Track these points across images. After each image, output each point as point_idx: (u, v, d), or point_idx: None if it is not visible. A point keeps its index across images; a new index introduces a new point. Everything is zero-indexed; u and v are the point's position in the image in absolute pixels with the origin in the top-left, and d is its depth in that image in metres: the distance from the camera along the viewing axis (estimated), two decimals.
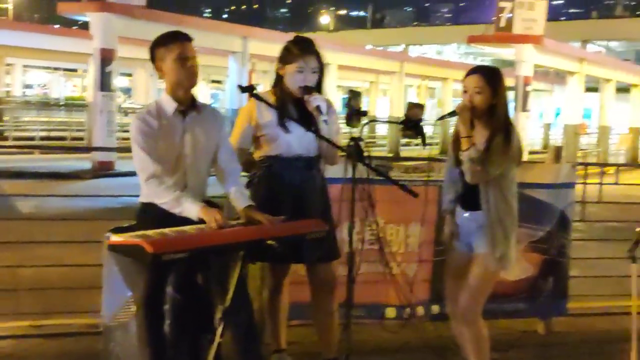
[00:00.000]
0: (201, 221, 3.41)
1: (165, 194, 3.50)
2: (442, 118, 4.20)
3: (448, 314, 4.25)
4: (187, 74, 3.61)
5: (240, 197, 3.66)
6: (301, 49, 3.94)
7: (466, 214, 3.98)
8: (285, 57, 3.97)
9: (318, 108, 3.89)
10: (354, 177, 3.25)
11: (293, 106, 4.00)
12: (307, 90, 3.91)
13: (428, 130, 35.80)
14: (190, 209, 3.45)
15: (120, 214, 4.56)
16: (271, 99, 3.98)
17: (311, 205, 4.00)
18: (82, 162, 17.77)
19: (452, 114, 3.86)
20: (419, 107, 3.55)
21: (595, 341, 5.39)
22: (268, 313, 4.32)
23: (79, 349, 4.71)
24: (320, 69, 4.00)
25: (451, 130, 4.16)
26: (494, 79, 3.86)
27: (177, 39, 3.63)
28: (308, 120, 3.91)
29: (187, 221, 3.43)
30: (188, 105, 3.67)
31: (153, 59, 3.68)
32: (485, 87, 3.81)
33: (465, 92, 3.86)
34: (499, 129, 3.82)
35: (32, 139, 24.31)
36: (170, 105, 3.64)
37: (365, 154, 3.34)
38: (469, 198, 3.93)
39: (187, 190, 3.64)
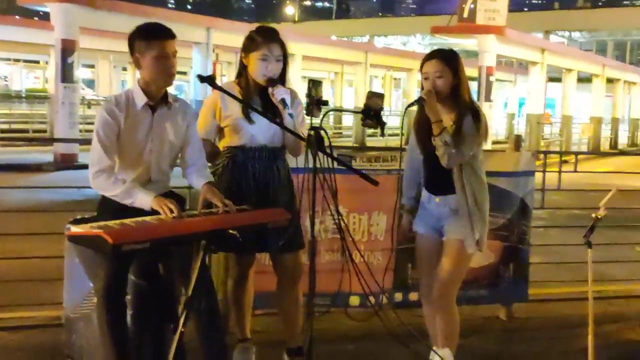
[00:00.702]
0: (155, 212, 3.39)
1: (114, 186, 3.47)
2: (410, 106, 4.18)
3: (420, 300, 4.27)
4: (165, 73, 3.56)
5: (200, 177, 3.67)
6: (265, 37, 3.94)
7: (436, 199, 3.98)
8: (249, 46, 3.96)
9: (283, 101, 3.88)
10: (314, 167, 3.26)
11: (257, 96, 3.99)
12: (271, 82, 3.91)
13: (395, 121, 35.95)
14: (143, 199, 3.43)
15: (82, 206, 4.54)
16: (235, 89, 3.97)
17: (275, 196, 4.02)
18: (45, 154, 17.54)
19: (418, 101, 3.85)
20: (379, 96, 3.54)
21: (556, 326, 5.49)
22: (232, 302, 4.32)
23: (41, 341, 4.67)
24: (284, 57, 3.99)
25: None
26: (452, 60, 3.90)
27: (159, 36, 3.55)
28: (272, 111, 3.91)
29: (148, 212, 3.42)
30: (158, 101, 3.63)
31: (131, 49, 3.60)
32: (446, 69, 3.84)
33: (426, 78, 3.88)
34: (466, 108, 3.85)
35: None
36: (140, 99, 3.60)
37: (326, 143, 3.34)
38: (439, 183, 3.94)
39: (151, 183, 3.63)
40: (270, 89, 3.91)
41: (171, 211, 3.32)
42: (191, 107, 3.91)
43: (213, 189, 3.60)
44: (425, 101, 3.80)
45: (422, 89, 3.94)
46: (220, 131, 4.08)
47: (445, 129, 3.76)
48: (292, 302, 4.18)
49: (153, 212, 3.39)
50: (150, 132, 3.62)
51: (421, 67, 3.95)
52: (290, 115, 3.85)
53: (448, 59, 3.90)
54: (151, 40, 3.53)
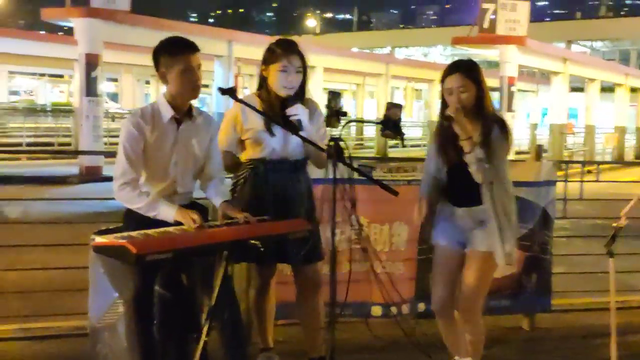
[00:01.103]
0: (179, 223, 3.44)
1: (139, 199, 3.53)
2: (443, 124, 3.90)
3: (434, 312, 4.20)
4: (191, 87, 3.62)
5: (217, 194, 3.73)
6: (284, 49, 3.97)
7: (460, 210, 3.93)
8: (269, 58, 4.00)
9: (299, 122, 3.92)
10: (334, 177, 3.28)
11: (279, 108, 4.03)
12: (290, 97, 3.95)
13: (416, 132, 35.89)
14: (166, 212, 3.49)
15: (106, 217, 4.58)
16: (257, 101, 4.01)
17: (295, 208, 4.05)
18: (70, 167, 17.72)
19: (448, 119, 3.75)
20: (398, 107, 3.57)
21: (579, 336, 5.46)
22: (255, 312, 4.36)
23: (66, 351, 4.73)
24: (304, 69, 4.03)
25: None
26: (474, 72, 3.84)
27: (184, 50, 3.60)
28: (294, 124, 3.94)
29: (171, 223, 3.47)
30: (184, 114, 3.69)
31: (157, 64, 3.65)
32: (468, 83, 3.79)
33: (450, 94, 3.81)
34: (492, 120, 3.82)
35: (19, 145, 24.18)
36: (167, 112, 3.65)
37: (346, 154, 3.36)
38: (464, 195, 3.89)
39: (176, 195, 3.68)
40: (287, 110, 3.93)
41: (194, 221, 3.37)
42: (214, 120, 3.96)
43: (230, 206, 3.65)
44: (453, 119, 3.72)
45: (443, 102, 3.89)
46: (241, 143, 4.13)
47: (477, 145, 3.71)
48: (313, 312, 4.20)
49: (177, 223, 3.44)
50: (176, 145, 3.67)
51: (442, 80, 3.89)
52: (301, 137, 3.89)
53: (470, 71, 3.84)
54: (176, 55, 3.58)
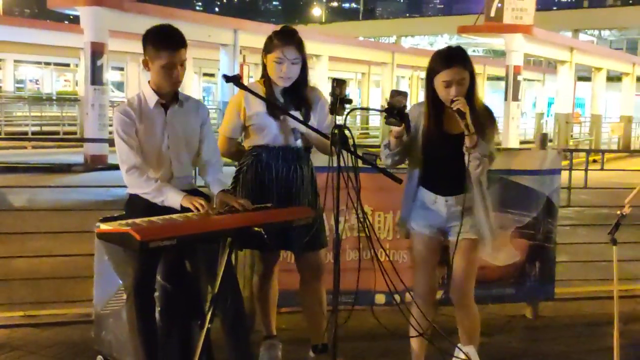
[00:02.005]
0: (185, 210, 3.46)
1: (147, 184, 3.56)
2: (466, 122, 3.65)
3: (446, 298, 4.15)
4: (170, 82, 3.63)
5: (216, 183, 3.74)
6: (280, 40, 3.96)
7: (442, 199, 3.87)
8: (267, 47, 4.01)
9: (293, 131, 3.98)
10: (338, 165, 3.29)
11: (280, 95, 4.04)
12: (289, 85, 3.98)
13: None
14: (173, 198, 3.51)
15: (111, 205, 4.63)
16: (260, 88, 4.02)
17: (298, 195, 4.07)
18: (75, 156, 17.77)
19: (460, 114, 3.60)
20: (402, 94, 3.55)
21: (582, 325, 5.46)
22: (258, 299, 4.38)
23: (71, 338, 4.76)
24: (303, 60, 4.02)
25: None
26: (469, 62, 3.77)
27: (169, 46, 3.58)
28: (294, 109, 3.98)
29: (174, 209, 3.49)
30: (170, 99, 3.71)
31: (144, 50, 3.67)
32: (466, 73, 3.73)
33: (448, 86, 3.69)
34: (483, 110, 3.80)
35: (24, 134, 24.21)
36: (152, 99, 3.69)
37: (351, 141, 3.37)
38: (450, 184, 3.85)
39: (174, 180, 3.70)
40: (281, 117, 3.95)
41: (202, 207, 3.40)
42: (204, 106, 4.00)
43: (228, 195, 3.66)
44: (463, 114, 3.60)
45: (431, 92, 3.78)
46: (245, 130, 4.14)
47: (479, 140, 3.66)
48: (315, 299, 4.21)
49: (182, 210, 3.46)
50: (165, 128, 3.70)
51: (436, 71, 3.74)
52: (299, 143, 3.96)
53: (466, 61, 3.75)
54: (160, 49, 3.58)
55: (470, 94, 3.73)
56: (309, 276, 4.20)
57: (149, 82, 3.73)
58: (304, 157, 4.15)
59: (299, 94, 4.04)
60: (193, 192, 3.70)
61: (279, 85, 4.01)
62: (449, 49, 3.89)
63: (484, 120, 3.77)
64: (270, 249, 4.09)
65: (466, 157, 3.72)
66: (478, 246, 3.91)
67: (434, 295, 4.07)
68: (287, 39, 3.96)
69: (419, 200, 3.95)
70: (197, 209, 3.42)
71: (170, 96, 3.71)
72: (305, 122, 3.83)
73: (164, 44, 3.59)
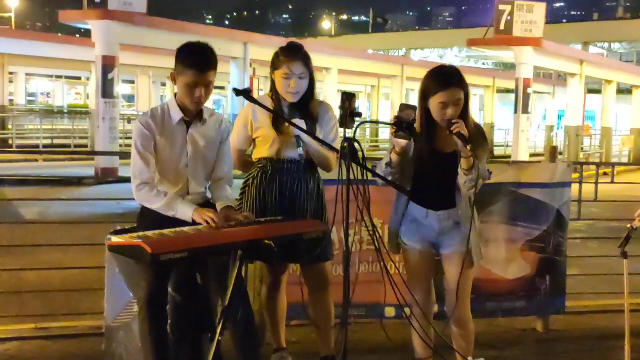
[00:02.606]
0: (196, 223, 3.46)
1: (157, 199, 3.56)
2: (470, 148, 3.61)
3: (413, 315, 3.99)
4: (191, 100, 3.60)
5: (221, 198, 3.73)
6: (287, 56, 3.99)
7: (433, 213, 3.86)
8: (275, 63, 4.04)
9: (297, 138, 3.99)
10: (348, 178, 3.30)
11: (287, 109, 4.07)
12: (296, 101, 4.01)
13: None
14: (184, 211, 3.51)
15: (122, 218, 4.64)
16: (268, 102, 4.06)
17: (302, 208, 4.09)
18: (86, 169, 17.85)
19: (462, 137, 3.56)
20: (412, 108, 3.56)
21: (593, 339, 5.43)
22: (267, 311, 4.39)
23: (82, 350, 4.76)
24: (310, 74, 4.05)
25: None
26: (465, 82, 3.74)
27: (194, 66, 3.54)
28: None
29: (186, 222, 3.50)
30: (194, 116, 3.70)
31: (175, 62, 3.62)
32: (462, 94, 3.70)
33: (445, 107, 3.64)
34: (474, 128, 3.76)
35: (36, 147, 24.35)
36: (176, 114, 3.67)
37: (360, 154, 3.38)
38: (442, 198, 3.84)
39: (189, 197, 3.71)
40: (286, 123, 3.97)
41: (213, 221, 3.40)
42: (227, 122, 3.96)
43: (231, 210, 3.64)
44: (464, 137, 3.56)
45: (424, 111, 3.73)
46: (253, 142, 4.18)
47: (476, 162, 3.64)
48: (323, 311, 4.23)
49: (193, 223, 3.46)
50: (185, 146, 3.69)
51: (432, 92, 3.69)
52: (300, 155, 3.98)
53: (463, 80, 3.71)
54: (186, 67, 3.55)
55: (464, 113, 3.70)
56: (316, 288, 4.22)
57: (175, 94, 3.71)
58: (310, 170, 4.17)
59: (306, 108, 4.07)
60: (206, 204, 3.72)
61: (288, 100, 4.04)
62: (443, 69, 3.84)
63: (476, 139, 3.72)
64: (277, 261, 4.10)
65: (460, 178, 3.72)
66: (470, 259, 3.88)
67: (432, 308, 4.07)
68: (293, 54, 3.99)
69: (409, 215, 3.93)
70: (207, 222, 3.42)
71: (194, 113, 3.69)
72: (310, 133, 3.85)
73: (191, 62, 3.55)
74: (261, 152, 4.13)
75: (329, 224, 4.07)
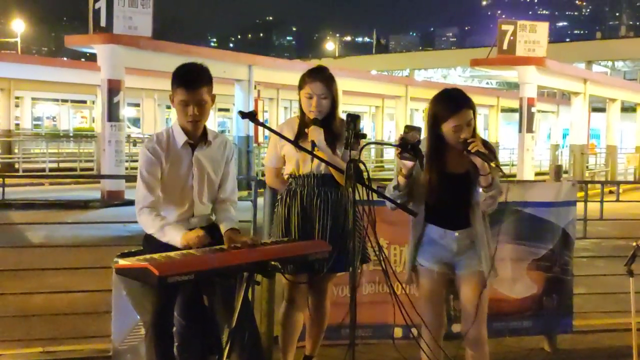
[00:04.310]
0: (187, 248, 3.43)
1: (153, 224, 3.59)
2: (495, 165, 3.67)
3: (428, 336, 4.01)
4: (185, 119, 3.66)
5: (225, 220, 3.75)
6: (309, 76, 4.22)
7: (450, 233, 3.86)
8: (300, 83, 4.27)
9: (312, 143, 4.09)
10: (353, 198, 3.32)
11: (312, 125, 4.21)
12: (318, 120, 4.17)
13: None
14: (174, 237, 3.50)
15: (128, 241, 4.65)
16: (296, 121, 4.30)
17: (323, 220, 4.17)
18: (92, 192, 17.90)
19: (481, 155, 3.60)
20: (416, 129, 3.58)
21: (600, 357, 5.41)
22: (282, 327, 4.40)
23: None
24: (332, 94, 4.22)
25: None
26: (471, 101, 3.77)
27: (184, 84, 3.61)
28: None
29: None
30: (198, 138, 3.74)
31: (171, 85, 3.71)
32: (472, 114, 3.73)
33: (458, 130, 3.67)
34: (484, 142, 3.77)
35: (42, 170, 24.45)
36: (180, 138, 3.72)
37: (365, 175, 3.41)
38: (458, 218, 3.85)
39: (194, 219, 3.73)
40: (306, 129, 4.17)
41: (198, 237, 3.41)
42: (231, 143, 4.01)
43: (234, 232, 3.66)
44: (483, 154, 3.58)
45: (432, 137, 3.78)
46: (283, 160, 4.38)
47: (495, 179, 3.68)
48: (321, 311, 4.40)
49: (170, 248, 3.44)
50: (191, 169, 3.72)
51: (443, 117, 3.72)
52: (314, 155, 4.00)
53: (470, 100, 3.75)
54: (179, 86, 3.63)
55: (473, 132, 3.73)
56: (318, 298, 4.37)
57: (178, 119, 3.77)
58: (329, 182, 4.23)
59: (328, 127, 4.20)
60: (211, 227, 3.73)
61: (311, 117, 4.20)
62: (450, 92, 3.85)
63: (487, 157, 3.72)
64: (290, 272, 4.14)
65: (480, 196, 3.73)
66: (484, 279, 3.87)
67: (444, 330, 4.05)
68: (314, 75, 4.22)
69: (426, 236, 3.92)
70: (198, 245, 3.41)
71: (198, 135, 3.73)
72: (314, 154, 3.93)
73: (181, 80, 3.64)
74: (287, 168, 4.33)
75: (348, 233, 4.09)
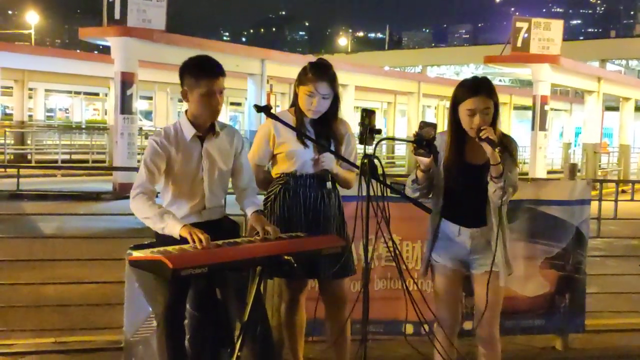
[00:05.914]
0: (183, 240, 3.36)
1: (150, 209, 3.51)
2: (494, 150, 3.61)
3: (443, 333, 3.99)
4: (210, 110, 3.66)
5: (250, 204, 3.76)
6: (314, 74, 4.01)
7: (466, 231, 3.82)
8: (301, 78, 4.06)
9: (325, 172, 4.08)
10: (367, 194, 3.31)
11: (309, 125, 4.09)
12: (318, 118, 4.05)
13: None
14: (173, 227, 3.43)
15: (140, 233, 4.65)
16: (290, 117, 4.08)
17: (327, 222, 4.09)
18: (104, 184, 17.96)
19: (490, 142, 3.57)
20: (431, 125, 3.55)
21: (612, 357, 5.39)
22: (285, 327, 4.38)
23: None
24: (335, 95, 4.07)
25: None
26: (494, 93, 3.73)
27: (207, 74, 3.61)
28: (325, 140, 4.03)
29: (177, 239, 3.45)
30: (206, 130, 3.74)
31: (181, 81, 3.69)
32: (491, 103, 3.69)
33: (472, 114, 3.65)
34: (505, 140, 3.76)
35: (54, 162, 24.52)
36: (189, 131, 3.70)
37: (379, 171, 3.39)
38: (475, 215, 3.81)
39: (205, 211, 3.73)
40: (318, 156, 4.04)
41: (200, 241, 3.28)
42: (239, 133, 3.99)
43: (260, 217, 3.68)
44: (492, 142, 3.55)
45: (454, 120, 3.75)
46: (273, 158, 4.19)
47: (505, 169, 3.63)
48: (339, 327, 4.19)
49: (181, 240, 3.37)
50: (201, 162, 3.72)
51: (460, 99, 3.71)
52: (333, 152, 3.99)
53: (492, 91, 3.71)
54: (199, 78, 3.61)
55: (492, 125, 3.68)
56: (332, 305, 4.20)
57: (185, 112, 3.75)
58: (331, 185, 4.19)
59: (328, 126, 4.09)
60: (223, 219, 3.73)
61: (308, 116, 4.06)
62: (475, 78, 3.85)
63: (505, 147, 3.71)
64: (297, 277, 4.10)
65: (490, 187, 3.70)
66: (498, 279, 3.83)
67: (458, 327, 4.03)
68: (320, 73, 4.01)
69: (441, 232, 3.90)
70: (197, 241, 3.29)
71: (206, 127, 3.73)
72: (336, 153, 3.88)
73: (203, 72, 3.63)
74: (283, 167, 4.13)
75: (348, 238, 4.08)
